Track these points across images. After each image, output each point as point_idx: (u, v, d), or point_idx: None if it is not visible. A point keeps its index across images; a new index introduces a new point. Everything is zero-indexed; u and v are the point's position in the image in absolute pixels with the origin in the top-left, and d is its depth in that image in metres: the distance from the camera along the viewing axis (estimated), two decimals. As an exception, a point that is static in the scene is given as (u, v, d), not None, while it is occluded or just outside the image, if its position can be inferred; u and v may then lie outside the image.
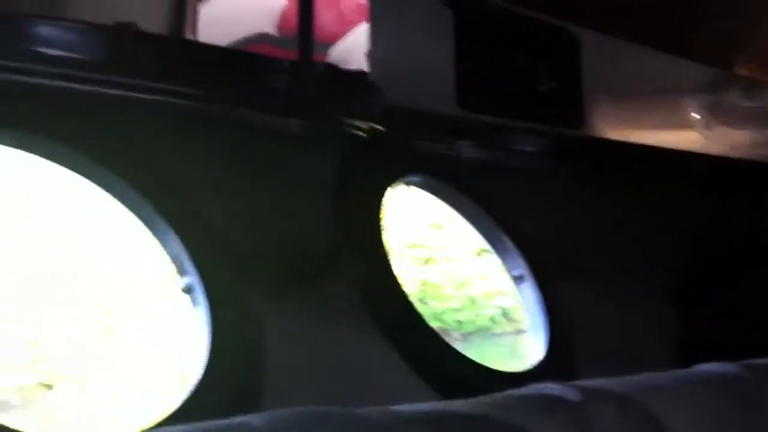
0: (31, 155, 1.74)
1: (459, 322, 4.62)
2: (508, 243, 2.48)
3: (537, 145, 2.58)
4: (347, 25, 2.40)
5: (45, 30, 1.62)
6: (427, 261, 4.69)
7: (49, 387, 4.14)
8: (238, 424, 1.06)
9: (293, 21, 2.05)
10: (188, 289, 1.82)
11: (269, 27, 2.58)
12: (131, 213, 1.82)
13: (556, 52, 2.61)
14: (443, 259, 4.72)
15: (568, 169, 2.69)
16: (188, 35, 1.97)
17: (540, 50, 2.55)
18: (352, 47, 2.32)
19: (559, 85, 2.54)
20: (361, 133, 2.02)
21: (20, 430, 1.49)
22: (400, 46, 2.26)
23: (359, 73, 2.02)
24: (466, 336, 4.64)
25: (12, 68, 1.59)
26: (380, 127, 2.04)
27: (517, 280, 2.49)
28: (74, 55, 1.63)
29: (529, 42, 2.53)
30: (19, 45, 1.59)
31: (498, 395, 1.46)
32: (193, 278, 1.80)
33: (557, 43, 2.62)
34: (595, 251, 2.68)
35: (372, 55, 2.14)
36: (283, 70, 1.94)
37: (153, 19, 1.87)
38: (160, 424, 1.60)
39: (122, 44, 1.74)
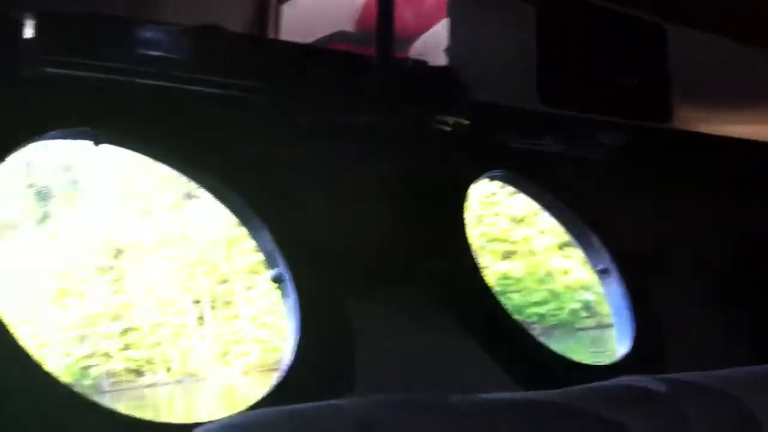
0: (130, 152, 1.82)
1: (541, 315, 4.61)
2: (593, 237, 2.46)
3: (620, 139, 2.55)
4: (426, 22, 2.42)
5: (145, 32, 1.69)
6: (509, 255, 4.69)
7: (139, 373, 4.28)
8: (331, 407, 1.09)
9: (372, 18, 2.08)
10: (278, 280, 1.87)
11: (348, 25, 2.62)
12: (225, 208, 1.88)
13: (639, 45, 2.58)
14: (525, 254, 4.71)
15: (652, 162, 2.65)
16: (270, 34, 2.02)
17: (622, 43, 2.52)
18: (431, 43, 2.34)
19: (643, 79, 2.51)
20: (446, 128, 2.04)
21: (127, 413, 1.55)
22: (480, 41, 2.26)
23: (446, 69, 2.04)
24: (547, 330, 4.63)
25: (114, 69, 1.66)
26: (465, 121, 2.05)
27: (602, 273, 2.46)
28: (171, 56, 1.70)
29: (611, 35, 2.50)
30: (121, 47, 1.67)
31: (584, 387, 1.46)
32: (282, 270, 1.84)
33: (640, 36, 2.58)
34: (680, 245, 2.64)
35: (451, 50, 2.16)
36: (372, 67, 1.97)
37: (238, 20, 1.93)
38: (250, 409, 1.65)
39: (211, 45, 1.80)
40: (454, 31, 2.15)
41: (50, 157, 3.92)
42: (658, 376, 1.51)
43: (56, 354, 3.72)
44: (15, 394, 1.42)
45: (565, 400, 1.36)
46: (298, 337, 1.78)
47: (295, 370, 1.74)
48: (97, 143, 1.75)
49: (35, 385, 1.44)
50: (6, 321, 1.45)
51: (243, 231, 1.92)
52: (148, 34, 1.71)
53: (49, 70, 1.60)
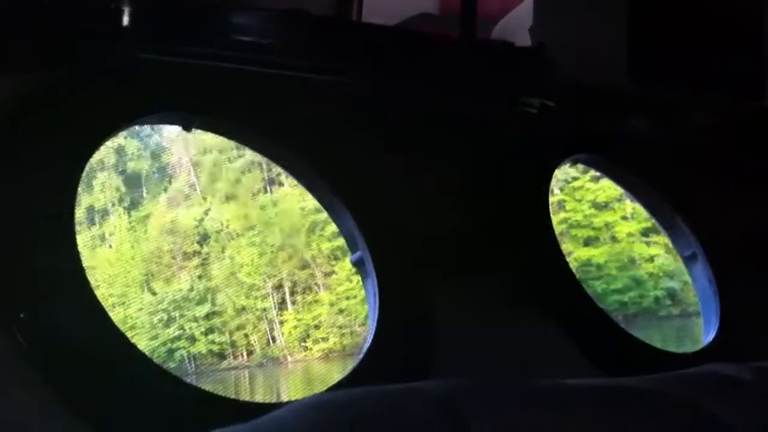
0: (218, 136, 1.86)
1: (623, 303, 4.54)
2: (680, 222, 2.41)
3: (712, 120, 2.48)
4: (509, 2, 2.40)
5: (235, 18, 1.72)
6: (591, 241, 4.64)
7: (221, 356, 4.38)
8: (411, 389, 1.10)
9: (454, 0, 2.07)
10: (358, 263, 1.88)
11: (431, 6, 2.61)
12: (307, 189, 1.91)
13: (735, 21, 2.49)
14: (608, 240, 4.65)
15: (745, 144, 2.58)
16: (354, 17, 2.03)
17: (716, 19, 2.44)
18: (516, 24, 2.31)
19: (737, 57, 2.43)
20: (532, 110, 2.02)
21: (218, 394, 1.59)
22: (566, 18, 2.23)
23: (531, 49, 2.02)
24: (629, 318, 4.56)
25: (205, 54, 1.70)
26: (550, 103, 2.03)
27: (689, 259, 2.41)
28: (259, 40, 1.73)
29: (705, 9, 2.42)
30: (212, 32, 1.70)
31: (669, 374, 1.44)
32: (364, 253, 1.86)
33: (735, 11, 2.49)
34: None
35: (536, 30, 2.13)
36: (457, 48, 1.97)
37: (321, 3, 1.95)
38: (330, 390, 1.68)
39: (298, 28, 1.82)
40: (539, 10, 2.12)
41: (140, 144, 4.03)
42: (746, 364, 1.48)
43: (143, 337, 3.82)
44: (110, 373, 1.47)
45: (650, 385, 1.34)
46: (378, 320, 1.79)
47: (374, 352, 1.75)
48: (188, 128, 1.79)
49: (129, 364, 1.49)
50: (102, 304, 1.51)
51: (324, 217, 1.94)
52: (237, 19, 1.74)
53: (141, 56, 1.64)
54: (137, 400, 1.45)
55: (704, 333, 2.34)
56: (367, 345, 1.79)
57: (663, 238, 2.58)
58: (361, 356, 1.77)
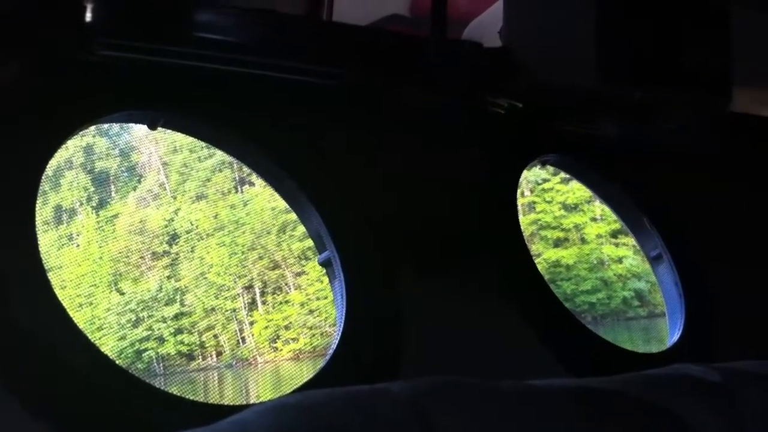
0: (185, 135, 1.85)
1: (592, 304, 4.57)
2: (647, 223, 2.43)
3: (680, 122, 2.50)
4: (480, 4, 2.40)
5: (202, 16, 1.71)
6: (560, 242, 4.66)
7: (190, 357, 4.35)
8: (378, 391, 1.09)
9: (426, 1, 2.07)
10: (326, 263, 1.88)
11: (402, 8, 2.61)
12: (274, 189, 1.90)
13: (704, 22, 2.50)
14: (578, 241, 4.67)
15: (711, 146, 2.60)
16: (324, 17, 2.02)
17: (687, 18, 2.44)
18: (485, 25, 2.32)
19: (704, 58, 2.44)
20: (500, 111, 2.02)
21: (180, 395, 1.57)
22: (535, 21, 2.23)
23: (500, 50, 2.02)
24: (597, 318, 4.59)
25: (171, 52, 1.68)
26: (518, 104, 2.03)
27: (655, 260, 2.43)
28: (227, 39, 1.72)
29: (675, 9, 2.43)
30: (178, 30, 1.69)
31: (635, 374, 1.44)
32: (331, 253, 1.86)
33: (705, 12, 2.50)
34: (737, 232, 2.59)
35: (505, 31, 2.13)
36: (426, 48, 1.97)
37: (292, 3, 1.94)
38: (297, 391, 1.67)
39: (267, 28, 1.81)
40: (508, 12, 2.13)
41: (109, 142, 3.99)
42: (712, 364, 1.49)
43: (111, 338, 3.79)
44: (72, 376, 1.45)
45: (616, 387, 1.35)
46: (346, 320, 1.79)
47: (341, 353, 1.75)
48: (153, 127, 1.77)
49: (92, 367, 1.47)
50: (63, 305, 1.49)
51: (295, 217, 1.94)
52: (204, 17, 1.72)
53: (106, 53, 1.62)
54: (98, 401, 1.44)
55: (670, 333, 2.36)
56: (334, 345, 1.78)
57: (631, 240, 2.60)
58: (327, 357, 1.77)
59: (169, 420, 1.46)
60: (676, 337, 2.32)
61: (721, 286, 2.43)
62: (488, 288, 2.04)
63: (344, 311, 1.80)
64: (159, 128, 1.78)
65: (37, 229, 1.50)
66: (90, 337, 1.51)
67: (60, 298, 1.49)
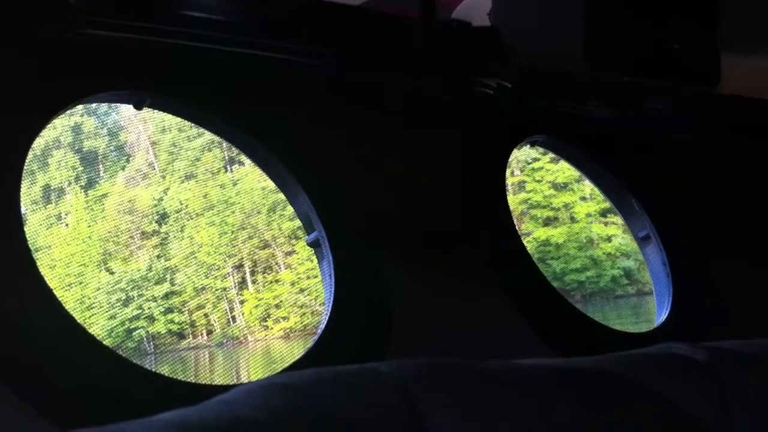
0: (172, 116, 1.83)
1: (581, 282, 4.59)
2: (635, 204, 2.44)
3: (667, 104, 2.50)
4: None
5: None
6: (550, 222, 4.67)
7: (181, 336, 4.35)
8: (367, 369, 1.09)
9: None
10: (314, 243, 1.88)
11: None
12: (262, 169, 1.90)
13: (692, 5, 2.50)
14: (567, 220, 4.68)
15: (701, 129, 2.61)
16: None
17: (675, 2, 2.45)
18: (474, 7, 2.31)
19: (692, 42, 2.45)
20: (488, 91, 2.02)
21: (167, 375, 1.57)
22: (524, 4, 2.23)
23: (489, 30, 2.02)
24: (587, 297, 4.61)
25: (158, 31, 1.67)
26: (507, 84, 2.03)
27: (643, 240, 2.44)
28: (214, 17, 1.70)
29: None
30: (162, 8, 1.67)
31: (622, 354, 1.45)
32: (320, 233, 1.86)
33: None
34: (724, 213, 2.60)
35: (494, 13, 2.13)
36: (414, 28, 1.96)
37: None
38: (285, 371, 1.67)
39: (253, 6, 1.80)
40: None
41: (97, 122, 3.97)
42: (698, 344, 1.50)
43: (100, 317, 3.78)
44: (57, 357, 1.45)
45: (603, 366, 1.35)
46: (334, 300, 1.79)
47: (330, 332, 1.75)
48: (138, 107, 1.76)
49: (77, 347, 1.47)
50: (49, 285, 1.48)
51: (284, 197, 1.94)
52: None
53: (90, 32, 1.61)
54: (84, 382, 1.44)
55: (657, 313, 2.37)
56: (322, 325, 1.79)
57: (620, 219, 2.61)
58: (316, 337, 1.77)
59: (157, 400, 1.46)
60: (663, 316, 2.34)
61: (708, 266, 2.45)
62: (476, 268, 2.04)
63: (333, 291, 1.81)
64: (145, 108, 1.77)
65: (22, 210, 1.50)
66: (79, 317, 1.51)
67: (48, 279, 1.49)
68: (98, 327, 3.53)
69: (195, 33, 1.70)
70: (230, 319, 4.29)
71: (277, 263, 4.40)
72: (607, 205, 2.69)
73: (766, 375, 1.47)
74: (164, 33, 1.67)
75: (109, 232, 4.08)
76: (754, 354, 1.52)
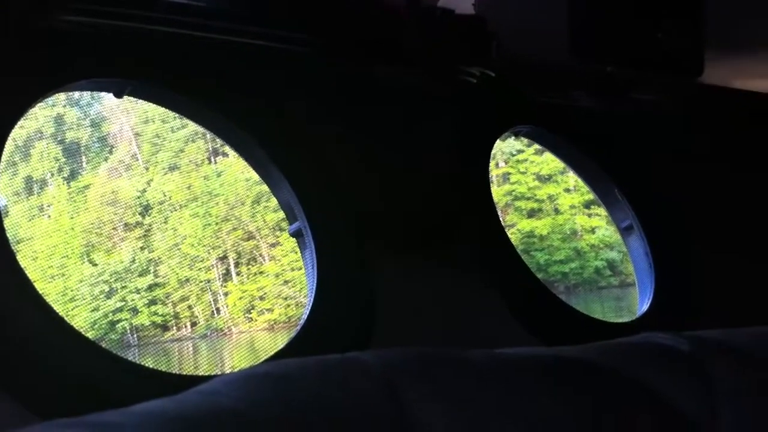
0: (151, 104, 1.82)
1: (564, 273, 4.61)
2: (617, 193, 2.44)
3: (652, 95, 2.51)
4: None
5: None
6: (534, 213, 4.68)
7: (165, 328, 4.34)
8: (350, 359, 1.09)
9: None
10: (297, 233, 1.87)
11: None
12: (245, 160, 1.89)
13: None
14: (551, 211, 4.70)
15: (682, 119, 2.61)
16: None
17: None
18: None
19: (677, 33, 2.45)
20: (472, 80, 2.01)
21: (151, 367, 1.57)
22: None
23: (473, 18, 2.01)
24: (570, 288, 4.63)
25: (137, 17, 1.65)
26: (491, 73, 2.02)
27: (625, 231, 2.45)
28: (197, 3, 1.69)
29: None
30: None
31: (606, 343, 1.45)
32: (302, 223, 1.85)
33: None
34: (706, 204, 2.61)
35: (479, 2, 2.12)
36: (400, 16, 1.95)
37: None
38: (269, 360, 1.67)
39: None
40: None
41: (80, 113, 3.94)
42: (681, 333, 1.50)
43: (83, 309, 3.76)
44: (37, 349, 1.43)
45: (586, 355, 1.35)
46: (317, 290, 1.79)
47: (312, 323, 1.75)
48: (119, 95, 1.75)
49: (58, 339, 1.46)
50: (30, 278, 1.47)
51: (267, 188, 1.93)
52: None
53: (71, 18, 1.59)
54: (63, 372, 1.43)
55: (639, 303, 2.38)
56: (305, 315, 1.78)
57: (604, 211, 2.62)
58: (299, 326, 1.77)
59: (137, 391, 1.45)
60: (645, 306, 2.35)
61: (690, 256, 2.46)
62: (460, 259, 2.04)
63: (315, 281, 1.80)
64: (126, 97, 1.75)
65: (3, 201, 1.48)
66: (62, 310, 1.49)
67: (30, 270, 1.47)
68: (81, 319, 3.51)
69: (175, 19, 1.68)
70: (214, 311, 4.28)
71: (261, 255, 4.39)
72: (591, 197, 2.70)
73: (747, 363, 1.48)
74: (144, 19, 1.65)
75: (91, 224, 4.06)
76: (737, 343, 1.52)
